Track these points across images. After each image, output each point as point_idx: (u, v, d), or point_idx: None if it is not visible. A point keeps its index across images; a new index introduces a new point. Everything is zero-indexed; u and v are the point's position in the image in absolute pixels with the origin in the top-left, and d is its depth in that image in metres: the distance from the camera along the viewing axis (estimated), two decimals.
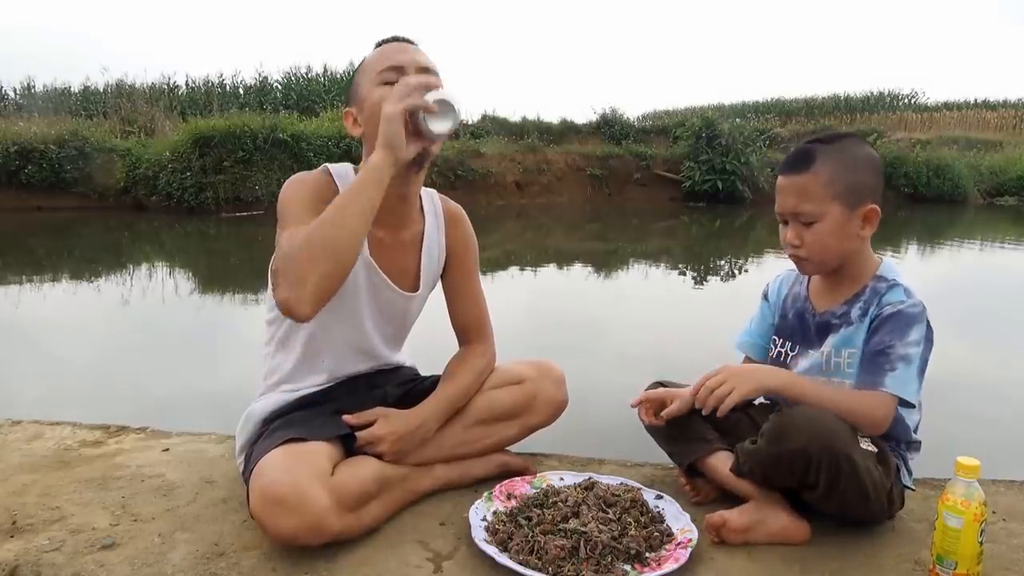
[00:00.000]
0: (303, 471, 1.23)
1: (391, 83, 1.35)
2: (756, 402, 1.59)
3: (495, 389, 1.58)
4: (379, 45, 1.47)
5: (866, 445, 1.30)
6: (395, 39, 1.46)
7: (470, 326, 1.62)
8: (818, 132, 1.58)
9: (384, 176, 1.26)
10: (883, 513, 1.37)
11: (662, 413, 1.49)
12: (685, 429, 1.50)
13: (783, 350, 1.53)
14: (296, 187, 1.42)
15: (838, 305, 1.44)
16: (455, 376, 1.54)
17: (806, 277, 1.53)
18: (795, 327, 1.51)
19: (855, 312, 1.40)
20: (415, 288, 1.54)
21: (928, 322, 1.35)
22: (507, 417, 1.57)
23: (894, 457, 1.38)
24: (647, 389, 1.60)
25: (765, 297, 1.62)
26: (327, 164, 1.48)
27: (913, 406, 1.34)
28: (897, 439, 1.37)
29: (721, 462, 1.45)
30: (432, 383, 1.56)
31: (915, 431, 1.42)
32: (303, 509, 1.20)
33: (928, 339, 1.35)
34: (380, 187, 1.26)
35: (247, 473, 1.34)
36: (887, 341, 1.33)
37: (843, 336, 1.41)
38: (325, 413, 1.44)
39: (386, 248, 1.48)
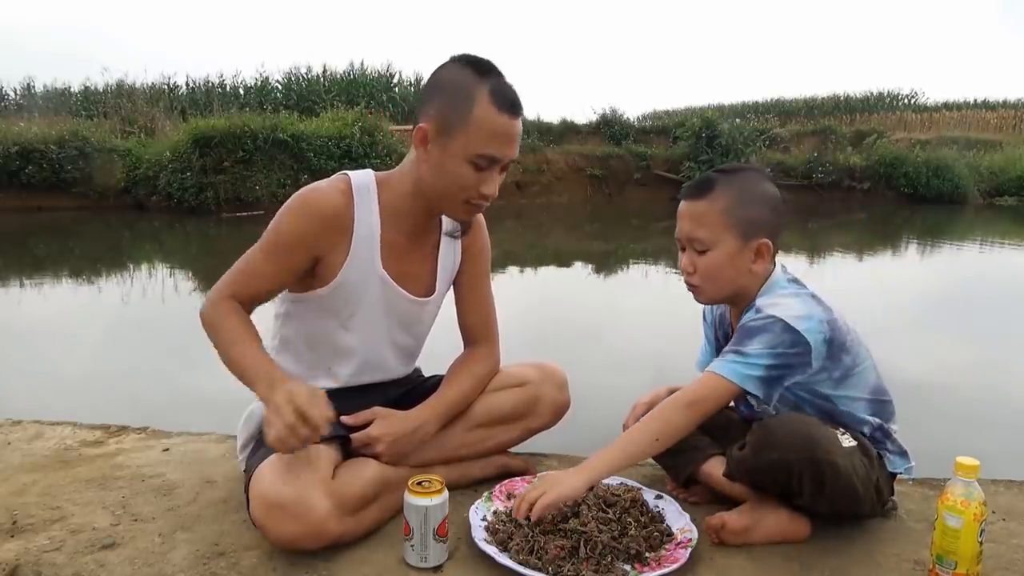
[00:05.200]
0: (303, 476, 1.23)
1: (481, 169, 1.32)
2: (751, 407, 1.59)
3: (497, 391, 1.57)
4: (498, 92, 1.29)
5: (847, 442, 1.30)
6: (514, 106, 1.31)
7: (477, 329, 1.60)
8: (724, 164, 1.56)
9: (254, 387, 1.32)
10: (875, 506, 1.38)
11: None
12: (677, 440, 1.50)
13: None
14: (296, 220, 1.36)
15: None
16: (457, 379, 1.53)
17: None
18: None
19: None
20: (429, 293, 1.52)
21: (797, 333, 1.30)
22: (509, 420, 1.56)
23: (873, 447, 1.39)
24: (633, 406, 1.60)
25: (704, 317, 1.63)
26: (348, 173, 1.43)
27: (752, 394, 1.32)
28: (850, 429, 1.37)
29: (715, 468, 1.46)
30: (434, 384, 1.55)
31: (884, 417, 1.42)
32: (304, 515, 1.20)
33: (793, 353, 1.30)
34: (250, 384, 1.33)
35: (248, 476, 1.33)
36: (727, 347, 1.36)
37: None
38: None
39: (402, 253, 1.46)
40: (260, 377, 1.29)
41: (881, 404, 1.43)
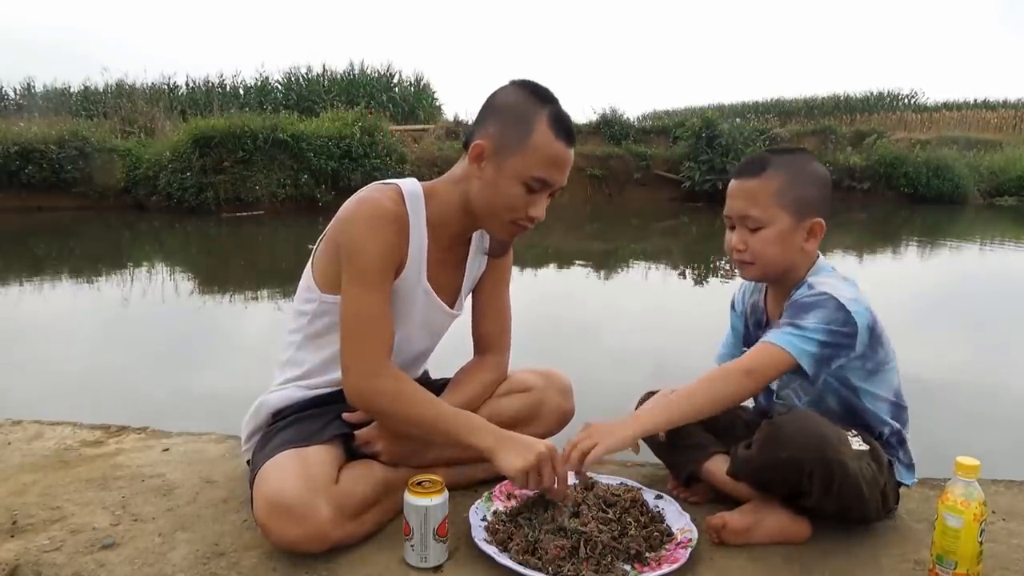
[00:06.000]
0: (308, 481, 1.23)
1: (532, 192, 1.34)
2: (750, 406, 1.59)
3: (501, 397, 1.57)
4: (556, 119, 1.32)
5: (857, 445, 1.30)
6: (570, 135, 1.35)
7: (491, 337, 1.60)
8: (772, 146, 1.57)
9: (463, 444, 1.34)
10: (880, 511, 1.38)
11: (659, 435, 1.49)
12: (681, 436, 1.50)
13: None
14: (376, 235, 1.33)
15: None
16: (463, 386, 1.53)
17: (764, 286, 1.55)
18: (756, 338, 1.49)
19: None
20: (454, 302, 1.53)
21: (848, 312, 1.32)
22: (512, 425, 1.54)
23: (885, 453, 1.39)
24: (640, 400, 1.60)
25: (733, 307, 1.64)
26: (395, 182, 1.42)
27: (803, 371, 1.31)
28: (871, 429, 1.39)
29: (718, 466, 1.45)
30: (441, 387, 1.55)
31: (901, 423, 1.43)
32: (307, 520, 1.21)
33: (844, 332, 1.32)
34: (451, 443, 1.37)
35: (253, 471, 1.33)
36: (781, 321, 1.36)
37: None
38: (330, 413, 1.43)
39: (438, 264, 1.46)
40: (487, 429, 1.34)
41: (900, 409, 1.44)
